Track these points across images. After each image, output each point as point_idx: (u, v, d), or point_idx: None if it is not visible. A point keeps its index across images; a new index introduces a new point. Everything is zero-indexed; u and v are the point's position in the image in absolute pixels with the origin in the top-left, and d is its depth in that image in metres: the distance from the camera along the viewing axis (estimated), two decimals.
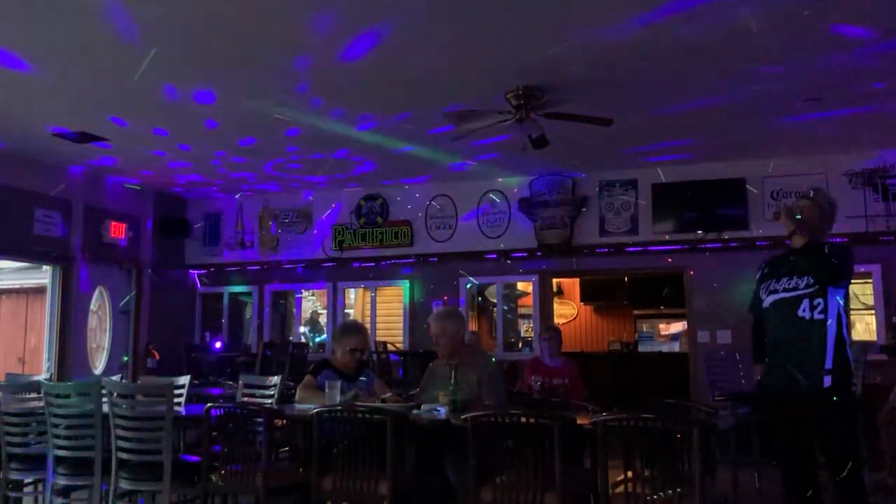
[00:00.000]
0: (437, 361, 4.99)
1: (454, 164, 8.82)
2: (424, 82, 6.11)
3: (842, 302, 3.69)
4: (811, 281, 3.68)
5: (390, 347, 9.91)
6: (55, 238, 8.88)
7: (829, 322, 3.64)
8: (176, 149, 8.15)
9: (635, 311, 12.77)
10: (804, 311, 3.68)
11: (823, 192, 4.04)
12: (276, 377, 5.90)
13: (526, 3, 4.74)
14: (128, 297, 9.96)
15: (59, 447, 4.66)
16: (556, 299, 11.24)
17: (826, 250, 3.68)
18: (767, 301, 3.85)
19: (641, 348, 12.03)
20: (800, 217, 3.78)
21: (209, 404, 4.40)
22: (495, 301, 10.37)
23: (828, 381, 3.60)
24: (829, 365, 3.61)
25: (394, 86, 6.21)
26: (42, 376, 6.86)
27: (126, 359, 9.85)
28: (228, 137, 7.68)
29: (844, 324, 3.68)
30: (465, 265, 9.74)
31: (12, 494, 5.05)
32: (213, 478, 4.33)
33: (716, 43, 5.34)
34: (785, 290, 3.77)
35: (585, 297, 12.89)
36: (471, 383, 4.49)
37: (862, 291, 8.67)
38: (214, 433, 4.38)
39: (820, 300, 3.66)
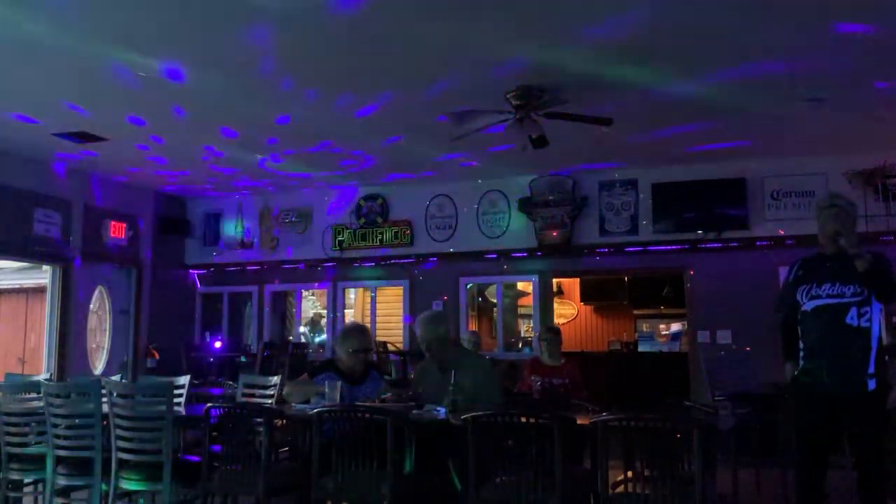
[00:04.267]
0: (426, 362, 4.99)
1: (454, 164, 8.81)
2: (424, 82, 6.11)
3: (881, 308, 3.86)
4: (858, 289, 3.80)
5: (390, 347, 9.92)
6: (55, 238, 8.88)
7: (874, 329, 3.80)
8: (176, 148, 8.15)
9: (635, 311, 12.76)
10: (852, 318, 3.80)
11: (846, 198, 4.16)
12: (275, 377, 5.90)
13: (527, 3, 4.74)
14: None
15: (59, 447, 4.67)
16: (556, 299, 11.23)
17: (876, 264, 3.74)
18: (809, 306, 3.94)
19: (641, 348, 12.01)
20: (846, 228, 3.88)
21: (209, 404, 4.41)
22: (495, 301, 10.37)
23: (872, 384, 3.77)
24: (871, 369, 3.77)
25: (394, 86, 6.21)
26: (42, 376, 6.85)
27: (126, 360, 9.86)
28: (229, 137, 7.69)
29: (883, 329, 3.86)
30: (465, 265, 9.75)
31: (12, 494, 5.05)
32: (213, 478, 4.33)
33: (715, 43, 5.35)
34: (829, 296, 3.87)
35: (585, 297, 12.88)
36: (465, 387, 4.48)
37: None
38: (214, 433, 4.38)
39: (867, 308, 3.81)
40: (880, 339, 3.83)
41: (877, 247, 7.91)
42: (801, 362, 3.99)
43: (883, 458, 3.82)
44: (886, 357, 7.16)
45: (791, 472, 5.57)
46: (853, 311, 3.79)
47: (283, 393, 4.98)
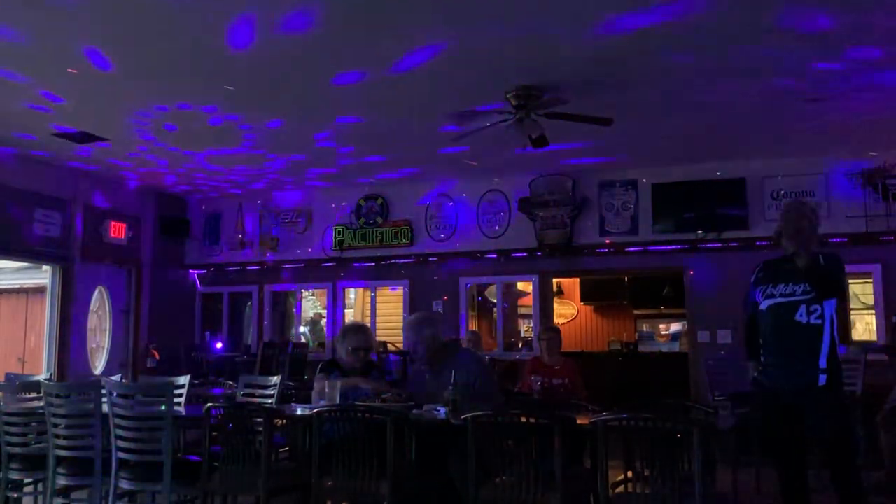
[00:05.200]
0: (417, 365, 4.98)
1: (454, 164, 8.82)
2: (424, 82, 6.11)
3: (834, 307, 3.97)
4: (808, 288, 3.93)
5: (390, 347, 9.91)
6: (55, 238, 8.88)
7: (825, 327, 3.91)
8: (176, 148, 8.15)
9: (635, 311, 12.76)
10: (801, 315, 3.94)
11: (809, 205, 4.25)
12: (275, 377, 5.90)
13: (527, 3, 4.74)
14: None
15: (59, 447, 4.66)
16: (556, 299, 11.22)
17: (821, 261, 3.91)
18: (764, 304, 4.10)
19: (641, 348, 12.01)
20: (802, 236, 3.95)
21: (209, 404, 4.41)
22: (495, 301, 10.37)
23: (822, 379, 3.89)
24: (823, 364, 3.89)
25: (394, 86, 6.21)
26: (42, 376, 6.85)
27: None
28: (229, 137, 7.69)
29: (835, 327, 3.96)
30: (465, 265, 9.75)
31: (12, 494, 5.05)
32: (213, 478, 4.33)
33: (716, 44, 5.35)
34: (782, 295, 4.01)
35: (585, 297, 12.88)
36: (458, 387, 4.47)
37: (862, 291, 8.66)
38: (214, 433, 4.38)
39: (817, 306, 3.92)
40: (832, 336, 3.91)
41: (877, 247, 8.00)
42: (762, 360, 4.13)
43: (851, 451, 3.94)
44: (887, 357, 7.21)
45: None
46: (802, 309, 3.92)
47: (315, 391, 4.91)
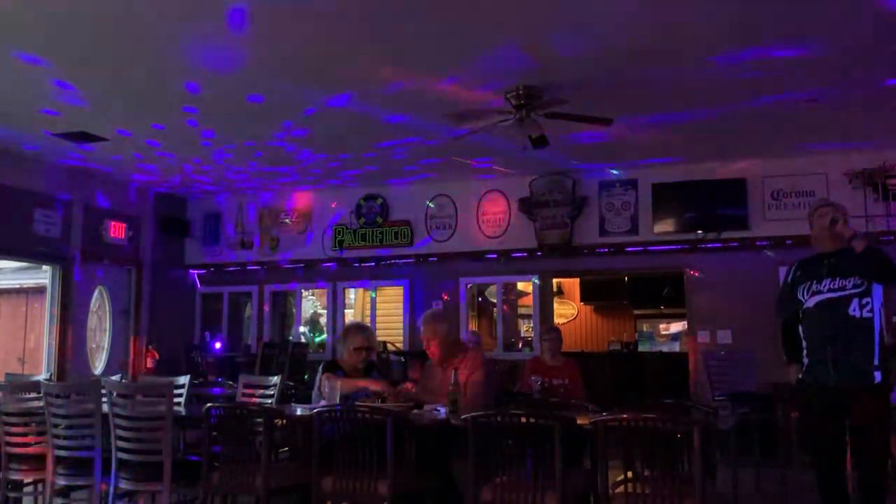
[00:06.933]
0: (432, 360, 5.00)
1: (454, 164, 8.81)
2: (425, 82, 6.11)
3: (881, 300, 3.89)
4: (858, 281, 3.85)
5: (390, 347, 9.92)
6: (55, 238, 8.88)
7: (875, 320, 3.83)
8: (176, 148, 8.15)
9: (635, 311, 12.77)
10: (854, 310, 3.84)
11: (829, 201, 4.31)
12: (275, 377, 5.90)
13: (527, 3, 4.75)
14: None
15: (59, 447, 4.66)
16: (556, 299, 11.23)
17: (873, 248, 3.83)
18: (811, 302, 3.98)
19: (641, 348, 12.02)
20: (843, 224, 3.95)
21: (209, 404, 4.40)
22: (495, 301, 10.37)
23: (878, 376, 3.80)
24: (877, 361, 3.81)
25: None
26: (42, 376, 6.85)
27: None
28: (229, 137, 7.69)
29: (883, 321, 3.89)
30: (465, 265, 9.74)
31: (12, 494, 5.04)
32: (213, 478, 4.33)
33: (716, 42, 5.35)
34: (830, 290, 3.92)
35: (585, 297, 12.89)
36: (460, 385, 4.49)
37: None
38: (214, 433, 4.38)
39: (868, 299, 3.84)
40: (882, 330, 3.85)
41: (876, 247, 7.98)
42: (805, 361, 4.01)
43: (888, 455, 3.86)
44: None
45: (791, 472, 5.60)
46: (855, 303, 3.84)
47: (317, 391, 4.89)
